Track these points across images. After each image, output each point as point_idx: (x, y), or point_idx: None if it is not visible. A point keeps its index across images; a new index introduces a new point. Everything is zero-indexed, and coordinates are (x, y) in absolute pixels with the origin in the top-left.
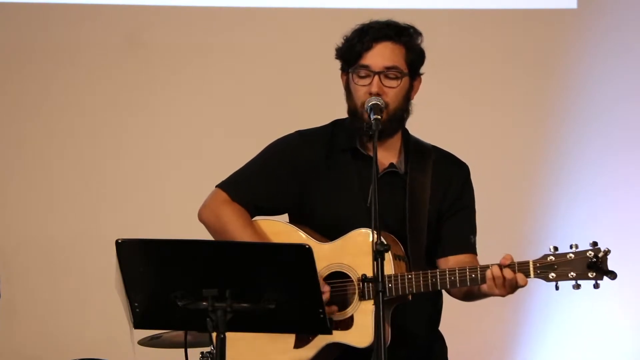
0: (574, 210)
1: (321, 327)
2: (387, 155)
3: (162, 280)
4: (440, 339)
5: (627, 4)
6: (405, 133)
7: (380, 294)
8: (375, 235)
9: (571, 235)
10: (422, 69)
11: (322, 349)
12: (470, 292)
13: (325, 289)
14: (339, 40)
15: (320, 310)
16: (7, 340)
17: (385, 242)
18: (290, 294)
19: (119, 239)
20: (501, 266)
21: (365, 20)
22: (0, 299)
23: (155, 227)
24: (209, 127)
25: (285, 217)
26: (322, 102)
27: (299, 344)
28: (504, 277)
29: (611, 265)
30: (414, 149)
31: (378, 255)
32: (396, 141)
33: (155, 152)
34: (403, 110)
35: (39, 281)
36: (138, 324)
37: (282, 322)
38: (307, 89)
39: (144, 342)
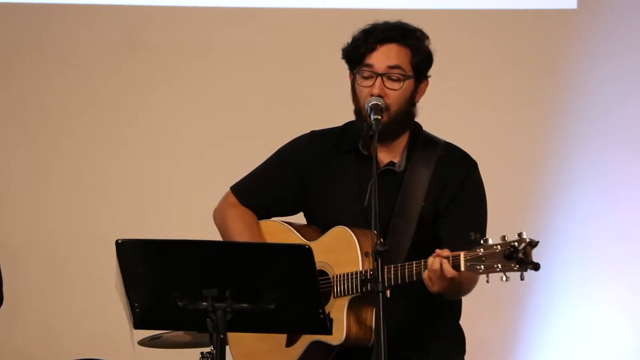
0: (574, 210)
1: (321, 327)
2: (389, 155)
3: (162, 280)
4: (452, 332)
5: (627, 4)
6: (415, 132)
7: (380, 294)
8: (375, 236)
9: (571, 235)
10: None
11: (308, 346)
12: None
13: None
14: (339, 41)
15: (321, 310)
16: (7, 340)
17: (383, 242)
18: (290, 294)
19: (119, 239)
20: (434, 257)
21: (367, 20)
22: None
23: (155, 227)
24: (209, 127)
25: (291, 217)
26: (322, 103)
27: (289, 343)
28: (434, 269)
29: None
30: (422, 145)
31: (378, 255)
32: (401, 141)
33: (155, 152)
34: (406, 112)
35: (38, 281)
36: (138, 324)
37: (282, 322)
38: (307, 89)
39: (144, 342)
